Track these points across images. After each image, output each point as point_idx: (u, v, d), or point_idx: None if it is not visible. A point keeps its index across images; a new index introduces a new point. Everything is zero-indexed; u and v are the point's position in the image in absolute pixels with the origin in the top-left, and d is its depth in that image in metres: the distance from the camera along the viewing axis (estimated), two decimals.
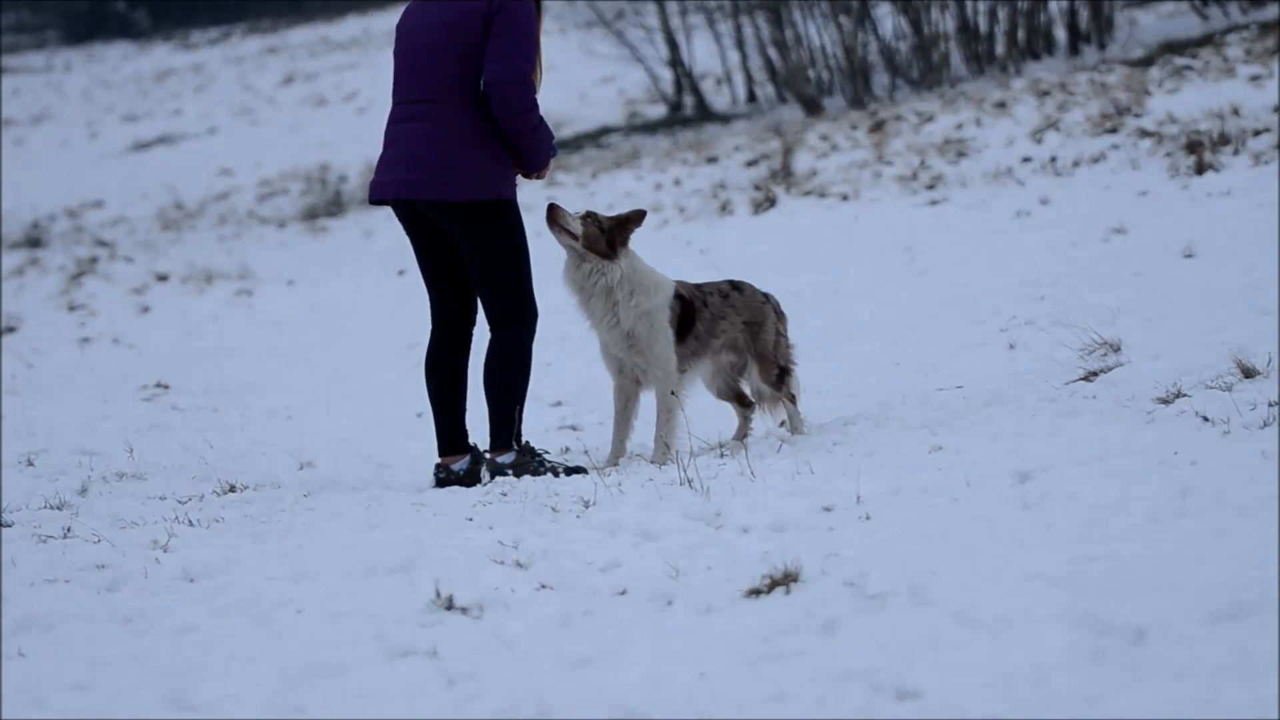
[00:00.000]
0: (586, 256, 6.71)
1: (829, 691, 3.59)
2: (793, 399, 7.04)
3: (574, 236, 6.69)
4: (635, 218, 6.78)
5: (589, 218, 6.73)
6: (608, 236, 6.71)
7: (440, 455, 6.68)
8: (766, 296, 7.09)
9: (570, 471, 6.50)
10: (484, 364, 6.58)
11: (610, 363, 6.87)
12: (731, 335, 6.95)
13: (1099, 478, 5.11)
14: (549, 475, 6.45)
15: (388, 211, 7.73)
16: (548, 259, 7.42)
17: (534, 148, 6.49)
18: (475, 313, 6.72)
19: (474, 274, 6.54)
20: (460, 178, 6.41)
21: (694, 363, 6.88)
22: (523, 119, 6.41)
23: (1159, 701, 3.30)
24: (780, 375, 7.00)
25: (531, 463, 6.52)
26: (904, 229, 13.29)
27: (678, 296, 6.81)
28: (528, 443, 6.58)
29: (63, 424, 9.29)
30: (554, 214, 6.70)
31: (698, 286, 6.97)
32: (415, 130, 6.48)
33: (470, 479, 6.56)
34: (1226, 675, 3.38)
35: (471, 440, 6.72)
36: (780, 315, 7.10)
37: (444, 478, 6.60)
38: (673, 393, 6.72)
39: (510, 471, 6.49)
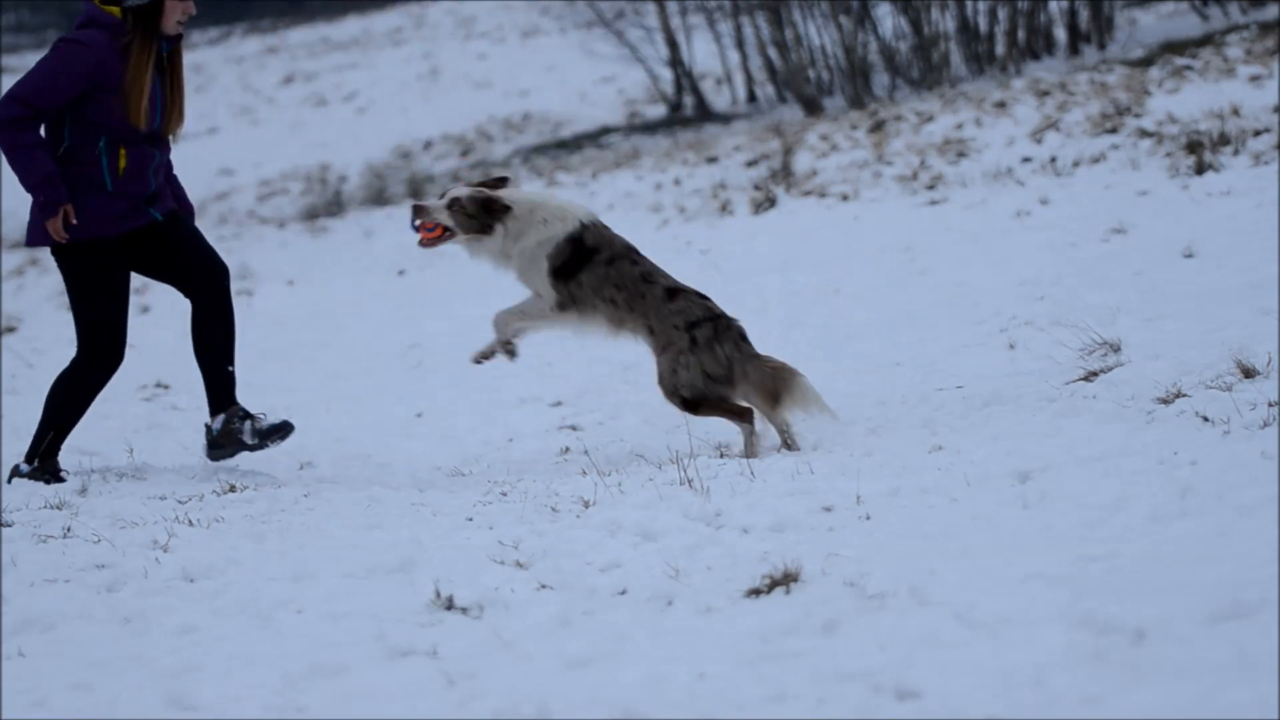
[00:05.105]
0: (471, 239, 6.81)
1: (829, 691, 3.59)
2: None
3: (446, 230, 6.79)
4: (495, 185, 6.85)
5: (453, 206, 6.76)
6: (478, 221, 6.76)
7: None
8: (713, 317, 6.62)
9: (271, 433, 6.75)
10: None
11: None
12: (629, 318, 6.69)
13: (1099, 478, 5.11)
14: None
15: (388, 211, 7.74)
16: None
17: (13, 168, 6.54)
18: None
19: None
20: (31, 225, 6.66)
21: (579, 310, 6.79)
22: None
23: (1159, 701, 3.30)
24: (684, 405, 6.63)
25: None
26: (904, 229, 13.26)
27: (571, 241, 6.74)
28: None
29: None
30: (419, 213, 6.80)
31: (646, 275, 6.68)
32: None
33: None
34: (1226, 675, 3.38)
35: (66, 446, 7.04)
36: (698, 345, 6.56)
37: None
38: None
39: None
